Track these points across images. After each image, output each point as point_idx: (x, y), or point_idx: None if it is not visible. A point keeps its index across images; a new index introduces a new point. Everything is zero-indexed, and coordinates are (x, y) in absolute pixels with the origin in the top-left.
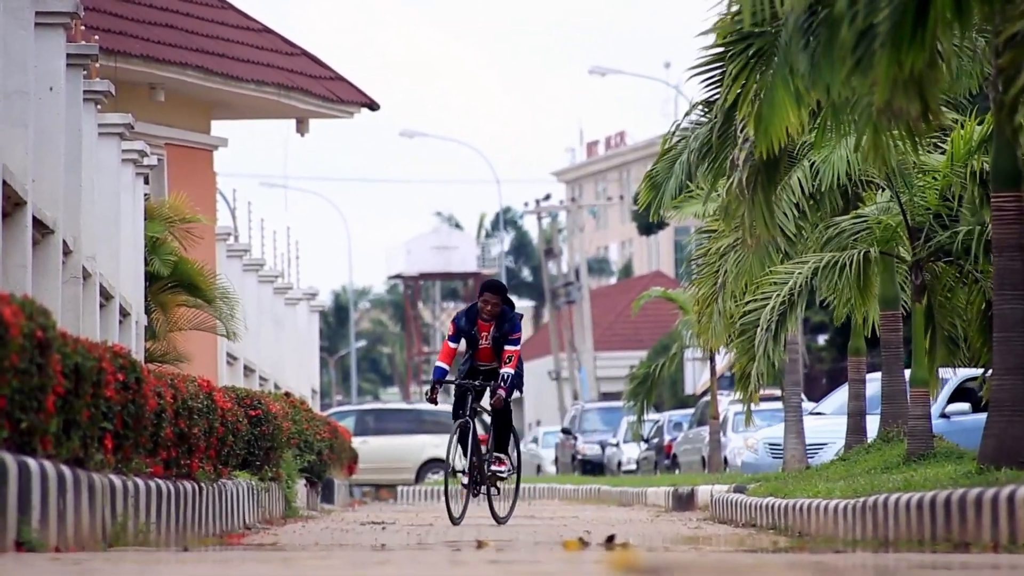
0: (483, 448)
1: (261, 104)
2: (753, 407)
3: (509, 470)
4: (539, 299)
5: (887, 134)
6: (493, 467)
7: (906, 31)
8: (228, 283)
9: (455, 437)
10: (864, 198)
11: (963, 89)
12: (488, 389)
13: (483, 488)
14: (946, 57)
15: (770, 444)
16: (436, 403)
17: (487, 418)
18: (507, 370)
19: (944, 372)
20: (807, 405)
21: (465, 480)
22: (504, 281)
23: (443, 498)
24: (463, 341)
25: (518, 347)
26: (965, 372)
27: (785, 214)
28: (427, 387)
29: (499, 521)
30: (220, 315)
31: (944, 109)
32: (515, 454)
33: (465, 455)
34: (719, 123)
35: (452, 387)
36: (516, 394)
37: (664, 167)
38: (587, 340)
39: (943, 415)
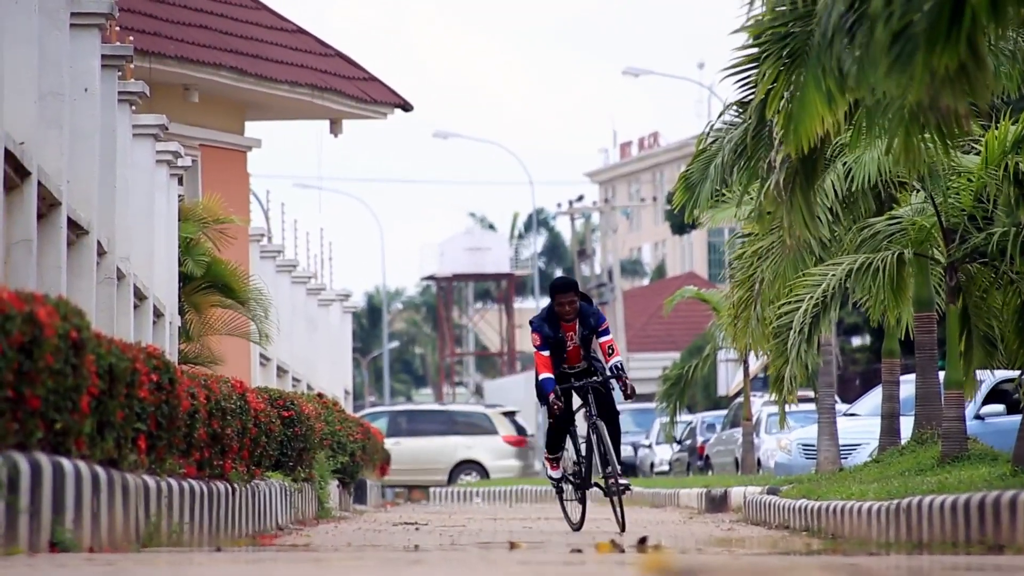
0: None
1: (295, 105)
2: (787, 409)
3: (629, 485)
4: None
5: (919, 136)
6: (621, 481)
7: (941, 31)
8: (262, 283)
9: (569, 441)
10: (898, 199)
11: (1000, 90)
12: (593, 388)
13: (613, 486)
14: (982, 56)
15: (803, 445)
16: (562, 408)
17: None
18: (617, 359)
19: (981, 374)
20: (841, 407)
21: (568, 482)
22: (536, 283)
23: (474, 499)
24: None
25: (611, 336)
26: (1001, 374)
27: (819, 217)
28: (546, 406)
29: (623, 528)
30: (253, 316)
31: (975, 112)
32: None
33: (579, 457)
34: (753, 124)
35: (548, 399)
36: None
37: (699, 168)
38: (620, 341)
39: (978, 416)
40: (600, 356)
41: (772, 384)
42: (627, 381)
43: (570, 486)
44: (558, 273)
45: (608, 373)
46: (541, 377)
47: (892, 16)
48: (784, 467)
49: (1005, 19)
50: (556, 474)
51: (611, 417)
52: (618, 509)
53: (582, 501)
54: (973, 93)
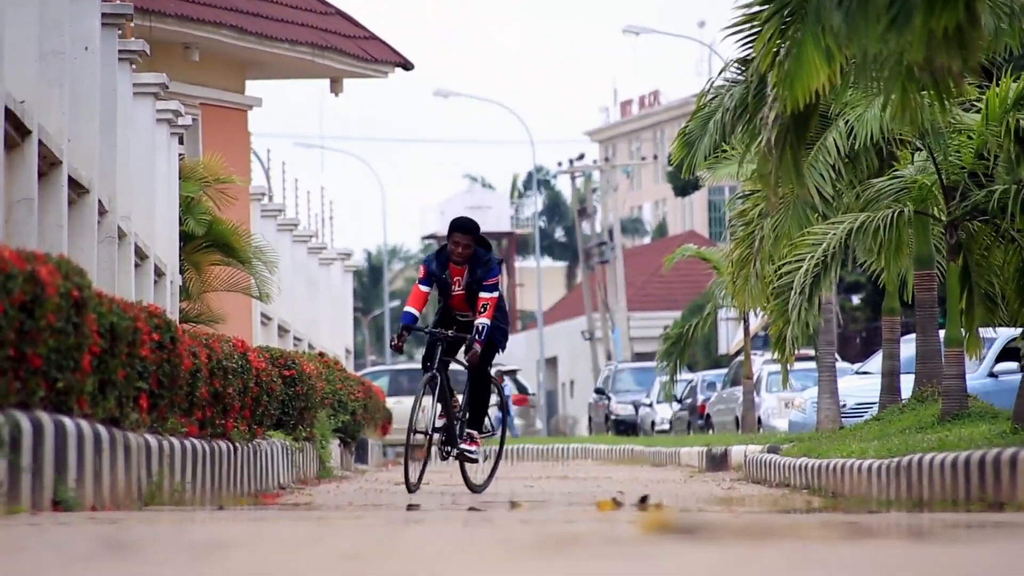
0: (455, 408)
1: (295, 64)
2: (788, 368)
3: (479, 452)
4: (572, 259)
5: (915, 94)
6: (463, 445)
7: None
8: (264, 242)
9: (421, 393)
10: (899, 157)
11: (1001, 48)
12: (465, 344)
13: (454, 452)
14: (977, 16)
15: (817, 403)
16: (402, 351)
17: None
18: (483, 320)
19: (987, 332)
20: (842, 365)
21: (420, 439)
22: (537, 242)
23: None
24: (435, 287)
25: (495, 294)
26: (1011, 332)
27: (822, 175)
28: (393, 334)
29: (474, 490)
30: (255, 273)
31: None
32: (493, 420)
33: (435, 412)
34: (754, 83)
35: (425, 336)
36: (498, 353)
37: (698, 125)
38: (620, 300)
39: (991, 374)
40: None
41: (773, 344)
42: (475, 346)
43: (419, 436)
44: (558, 232)
45: (472, 335)
46: (405, 308)
47: None
48: (799, 425)
49: None
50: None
51: (478, 383)
52: (462, 467)
53: (427, 460)
54: (968, 52)
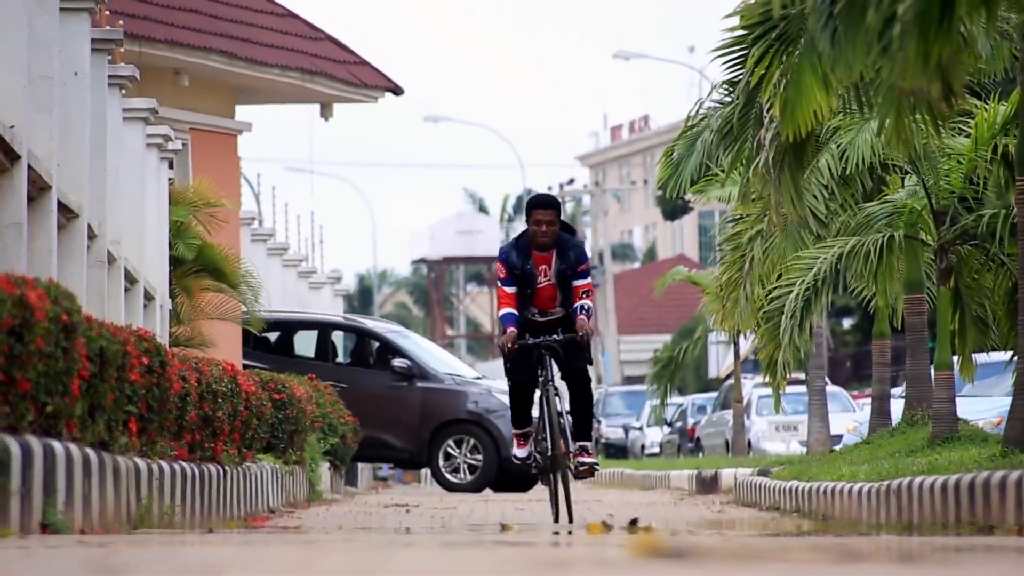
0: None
1: (285, 88)
2: (779, 391)
3: (596, 464)
4: None
5: (909, 118)
6: (581, 458)
7: (933, 18)
8: (252, 267)
9: (548, 411)
10: (888, 182)
11: (990, 72)
12: (558, 345)
13: (553, 476)
14: (971, 40)
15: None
16: (515, 351)
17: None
18: (585, 302)
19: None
20: (832, 389)
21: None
22: None
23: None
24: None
25: (590, 281)
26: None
27: (815, 196)
28: (499, 337)
29: (571, 519)
30: (244, 300)
31: (967, 93)
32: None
33: (549, 434)
34: (740, 104)
35: (508, 346)
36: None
37: (684, 144)
38: (610, 324)
39: None
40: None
41: (764, 368)
42: (583, 321)
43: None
44: None
45: (577, 316)
46: (501, 312)
47: (882, 2)
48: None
49: (997, 4)
50: (522, 452)
51: (578, 380)
52: (561, 492)
53: (551, 486)
54: (954, 78)
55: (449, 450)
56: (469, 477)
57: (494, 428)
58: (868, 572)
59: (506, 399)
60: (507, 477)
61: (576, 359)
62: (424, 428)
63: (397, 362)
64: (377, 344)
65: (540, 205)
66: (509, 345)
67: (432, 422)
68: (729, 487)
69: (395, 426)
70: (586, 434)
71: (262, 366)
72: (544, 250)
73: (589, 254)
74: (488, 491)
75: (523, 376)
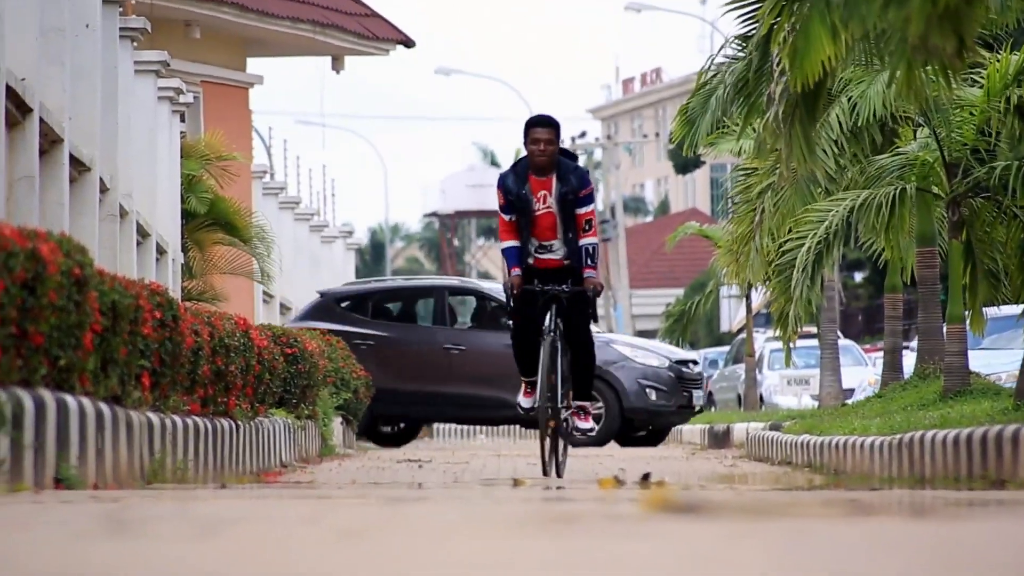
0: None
1: (296, 41)
2: (791, 345)
3: (593, 429)
4: None
5: (920, 70)
6: (578, 422)
7: None
8: (265, 221)
9: (549, 362)
10: (899, 134)
11: (1004, 22)
12: (561, 294)
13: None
14: None
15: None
16: (519, 297)
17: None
18: (590, 240)
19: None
20: (844, 343)
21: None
22: None
23: (478, 436)
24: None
25: (593, 208)
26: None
27: (825, 151)
28: (506, 277)
29: (559, 474)
30: (256, 254)
31: (978, 46)
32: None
33: (555, 385)
34: (755, 58)
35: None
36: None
37: (699, 102)
38: (623, 278)
39: None
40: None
41: (776, 322)
42: (591, 274)
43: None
44: None
45: (581, 262)
46: (503, 246)
47: None
48: None
49: None
50: (527, 402)
51: (580, 337)
52: (552, 449)
53: (552, 438)
54: (965, 31)
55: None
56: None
57: (615, 380)
58: (880, 526)
59: (626, 350)
60: (631, 428)
61: (580, 314)
62: None
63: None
64: (494, 304)
65: (539, 124)
66: (514, 292)
67: None
68: (741, 441)
69: (516, 384)
70: (586, 394)
71: (387, 334)
72: (543, 173)
73: (600, 207)
74: (500, 445)
75: (528, 324)
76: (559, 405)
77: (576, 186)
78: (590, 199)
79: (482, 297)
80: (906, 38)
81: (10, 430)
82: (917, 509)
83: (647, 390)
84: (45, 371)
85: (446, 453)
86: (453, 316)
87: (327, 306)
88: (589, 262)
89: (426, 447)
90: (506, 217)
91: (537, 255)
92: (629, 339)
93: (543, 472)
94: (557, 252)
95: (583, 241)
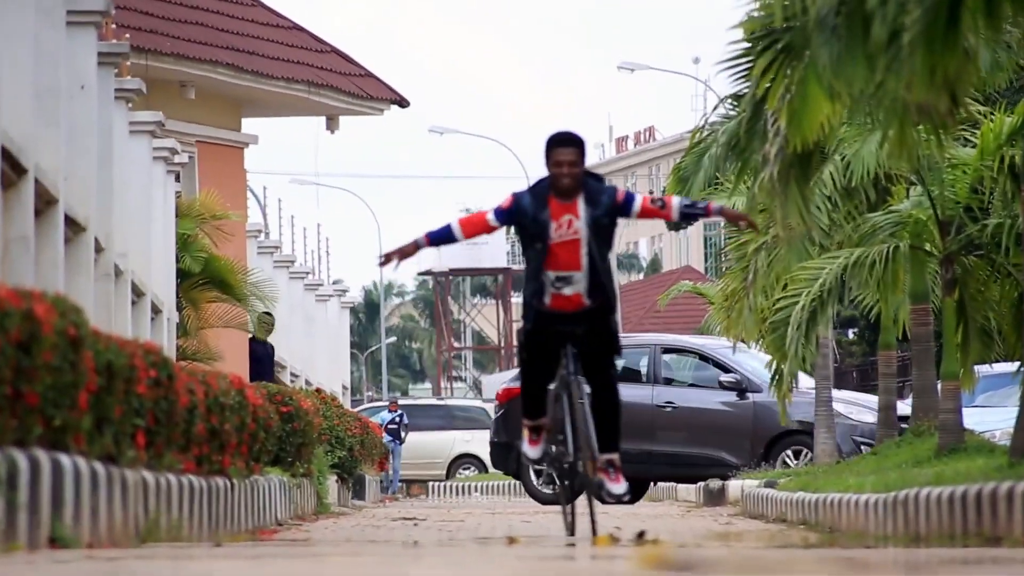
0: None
1: (291, 101)
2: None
3: (627, 490)
4: None
5: (912, 129)
6: (609, 485)
7: (939, 32)
8: (263, 274)
9: (568, 417)
10: (892, 192)
11: (995, 82)
12: (575, 335)
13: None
14: (973, 54)
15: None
16: (387, 265)
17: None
18: (676, 200)
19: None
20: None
21: (553, 468)
22: None
23: (473, 494)
24: (518, 237)
25: (641, 194)
26: (1002, 367)
27: (819, 207)
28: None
29: (594, 531)
30: (251, 311)
31: (971, 103)
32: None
33: (564, 439)
34: (747, 117)
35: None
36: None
37: (692, 160)
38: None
39: None
40: (613, 281)
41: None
42: (673, 201)
43: (555, 473)
44: None
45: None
46: (441, 226)
47: (887, 16)
48: None
49: (1002, 17)
50: (534, 452)
51: (601, 377)
52: (583, 504)
53: (565, 497)
54: (955, 91)
55: (787, 460)
56: None
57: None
58: None
59: (839, 407)
60: None
61: (602, 344)
62: (758, 441)
63: (725, 377)
64: (704, 360)
65: (561, 143)
66: (385, 257)
67: (765, 435)
68: (736, 499)
69: (729, 441)
70: (613, 445)
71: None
72: (567, 197)
73: None
74: (495, 503)
75: (538, 361)
76: (576, 459)
77: (609, 202)
78: (631, 195)
79: (691, 353)
80: (898, 98)
81: (5, 490)
82: (912, 567)
83: (862, 448)
84: (40, 431)
85: (441, 511)
86: (662, 372)
87: None
88: (690, 211)
89: (421, 505)
90: (489, 218)
91: (555, 290)
92: (841, 394)
93: (570, 531)
94: (578, 284)
95: (673, 204)
